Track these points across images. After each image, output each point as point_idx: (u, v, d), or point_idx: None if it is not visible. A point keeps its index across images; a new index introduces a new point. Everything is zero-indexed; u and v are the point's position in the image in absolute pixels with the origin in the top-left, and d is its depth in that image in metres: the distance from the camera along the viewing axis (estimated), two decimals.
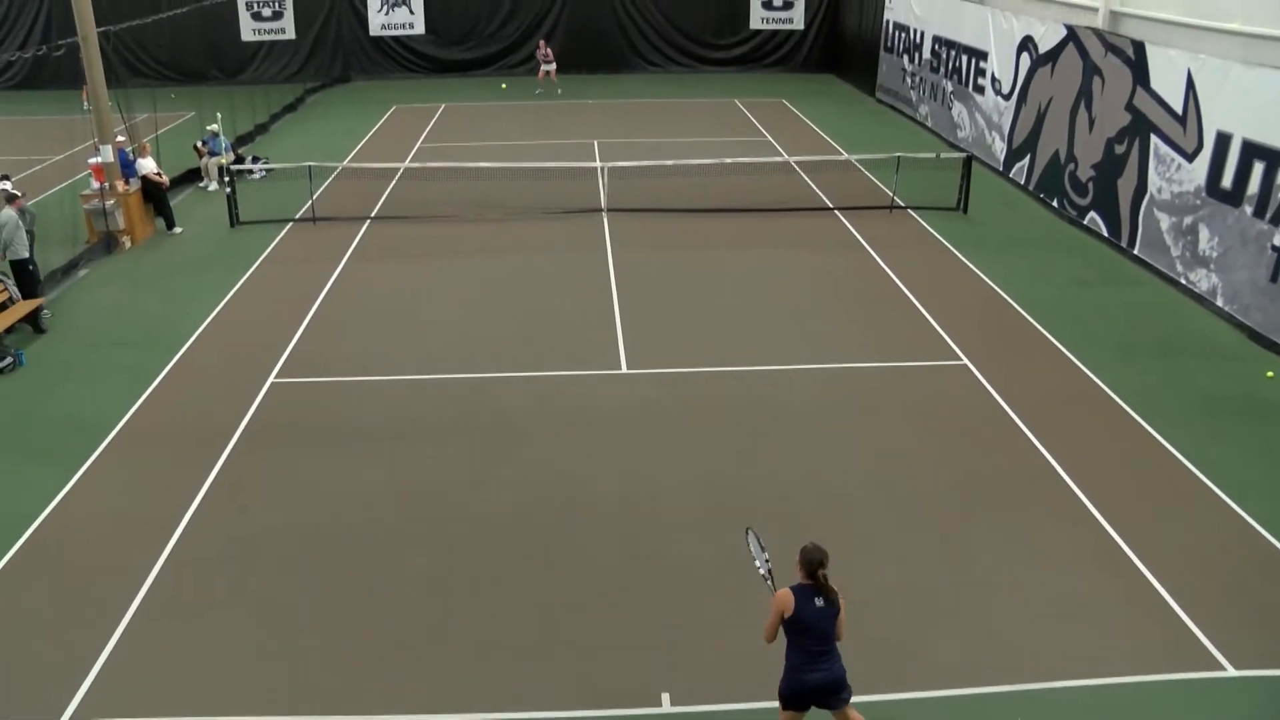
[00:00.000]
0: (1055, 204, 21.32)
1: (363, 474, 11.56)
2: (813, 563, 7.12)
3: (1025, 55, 22.68)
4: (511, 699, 8.30)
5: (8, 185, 16.55)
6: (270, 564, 9.99)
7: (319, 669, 8.64)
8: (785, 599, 7.12)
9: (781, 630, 7.24)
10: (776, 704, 7.54)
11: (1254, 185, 15.01)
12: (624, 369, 14.11)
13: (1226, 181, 15.64)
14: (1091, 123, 19.75)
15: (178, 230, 20.62)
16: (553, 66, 35.46)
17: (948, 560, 10.01)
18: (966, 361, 14.26)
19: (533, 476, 11.49)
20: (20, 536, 10.41)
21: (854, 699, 7.49)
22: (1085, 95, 20.00)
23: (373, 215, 21.14)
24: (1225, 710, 8.20)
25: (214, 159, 23.57)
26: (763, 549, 7.74)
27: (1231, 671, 8.53)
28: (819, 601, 7.11)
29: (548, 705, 8.23)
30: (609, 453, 12.00)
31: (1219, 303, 15.89)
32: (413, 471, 11.62)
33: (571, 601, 9.44)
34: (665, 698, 8.30)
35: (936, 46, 28.44)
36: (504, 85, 24.99)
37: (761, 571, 7.65)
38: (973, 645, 8.88)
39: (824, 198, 22.10)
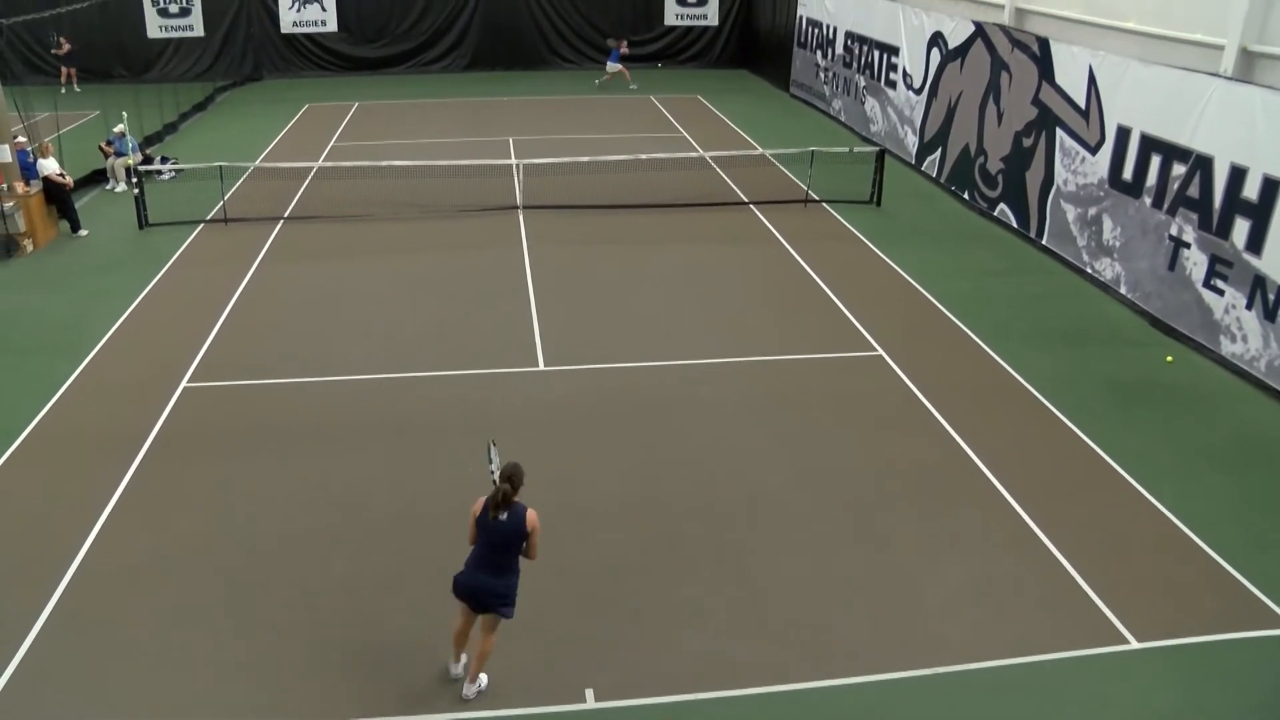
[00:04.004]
0: (966, 196, 21.76)
1: (279, 479, 11.39)
2: (502, 476, 7.94)
3: (935, 50, 23.10)
4: (438, 700, 8.25)
5: None
6: (184, 574, 9.79)
7: (238, 678, 8.49)
8: (477, 503, 8.02)
9: None
10: (698, 696, 7.94)
11: (1152, 177, 15.51)
12: (541, 366, 14.08)
13: (1127, 173, 16.12)
14: (1000, 116, 20.19)
15: (83, 233, 20.07)
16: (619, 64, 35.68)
17: (865, 548, 10.18)
18: (881, 352, 14.49)
19: (452, 477, 11.41)
20: None
21: (775, 688, 7.91)
22: (994, 90, 20.43)
23: (286, 215, 20.81)
24: (1129, 680, 8.49)
25: (121, 159, 22.99)
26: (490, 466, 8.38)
27: (1134, 644, 8.85)
28: (502, 516, 7.90)
29: (474, 704, 8.20)
30: (528, 451, 11.89)
31: (1122, 290, 16.38)
32: (330, 475, 11.47)
33: None
34: (589, 693, 8.32)
35: (849, 42, 28.81)
36: (633, 86, 26.25)
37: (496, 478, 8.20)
38: (890, 631, 9.04)
39: (739, 192, 22.27)
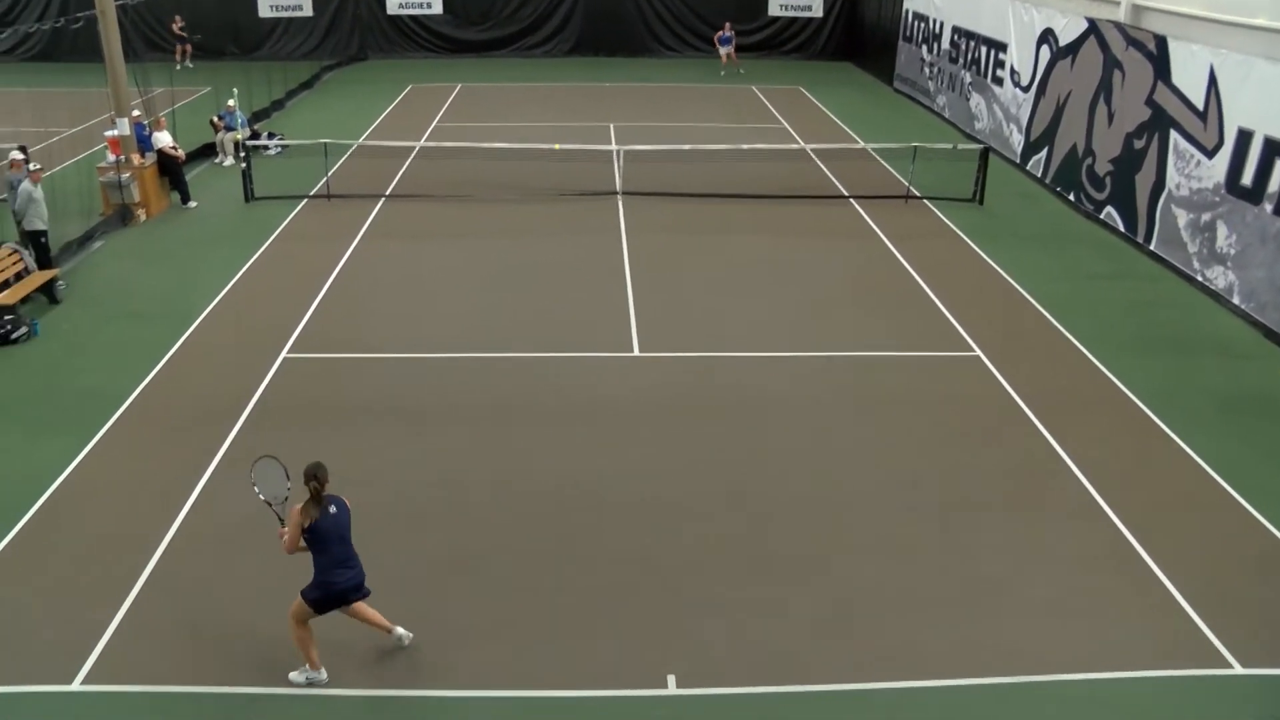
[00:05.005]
0: (1072, 197, 21.21)
1: (371, 453, 11.57)
2: (307, 476, 7.83)
3: (1045, 47, 22.54)
4: (518, 678, 8.33)
5: (19, 155, 16.58)
6: (276, 541, 9.98)
7: (322, 648, 8.65)
8: (293, 514, 7.87)
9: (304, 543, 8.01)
10: (776, 689, 7.92)
11: (1274, 183, 14.90)
12: (636, 352, 14.09)
13: (1246, 179, 15.53)
14: (1111, 117, 19.63)
15: (193, 204, 20.64)
16: (731, 47, 35.91)
17: (954, 553, 9.98)
18: (979, 353, 14.21)
19: (542, 458, 11.49)
20: (32, 506, 10.46)
21: (852, 686, 8.05)
22: (1105, 89, 19.86)
23: (387, 193, 21.13)
24: (1230, 707, 8.18)
25: (230, 134, 23.57)
26: (287, 479, 8.19)
27: (1239, 669, 8.51)
28: (332, 509, 7.93)
29: (555, 685, 8.26)
30: (619, 436, 11.99)
31: (1235, 300, 15.80)
32: (421, 452, 11.62)
33: (579, 584, 9.45)
34: (671, 679, 8.31)
35: (956, 37, 28.28)
36: (556, 146, 18.20)
37: (266, 499, 8.20)
38: (974, 637, 8.86)
39: (839, 186, 22.03)
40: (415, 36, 39.06)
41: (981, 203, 21.04)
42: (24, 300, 14.99)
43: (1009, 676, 8.39)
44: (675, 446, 11.78)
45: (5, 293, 14.82)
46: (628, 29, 39.12)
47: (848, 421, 12.41)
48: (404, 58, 38.62)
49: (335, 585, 8.02)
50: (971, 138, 26.09)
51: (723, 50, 35.96)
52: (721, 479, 11.16)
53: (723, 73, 35.74)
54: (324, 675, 8.27)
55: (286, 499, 8.23)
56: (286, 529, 8.02)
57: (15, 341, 14.17)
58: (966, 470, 11.41)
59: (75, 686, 8.18)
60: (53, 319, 15.04)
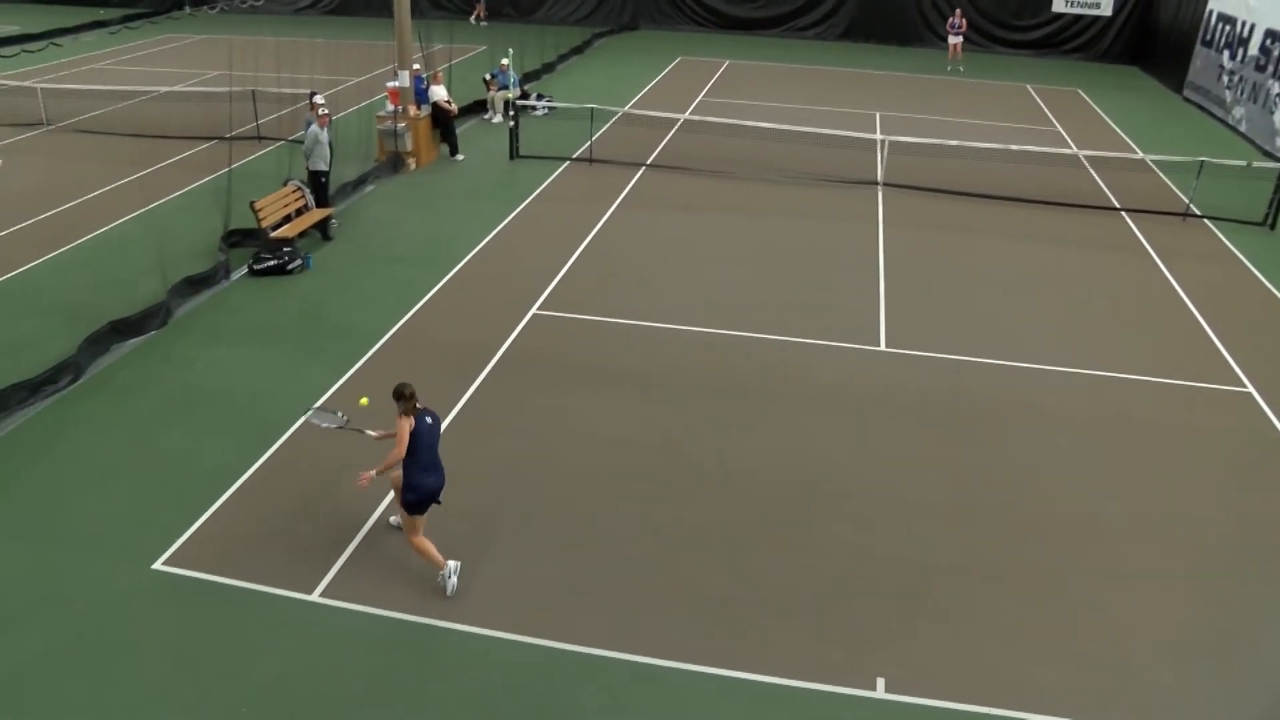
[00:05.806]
0: None
1: (608, 415, 11.77)
2: (406, 391, 8.55)
3: None
4: (725, 656, 8.31)
5: (320, 99, 17.67)
6: (508, 490, 10.33)
7: (539, 595, 8.90)
8: (405, 422, 8.52)
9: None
10: (991, 710, 7.63)
11: None
12: (882, 347, 13.76)
13: None
14: None
15: (460, 157, 21.54)
16: (959, 39, 34.22)
17: (1203, 604, 9.24)
18: (1251, 390, 13.11)
19: (775, 441, 11.39)
20: (287, 430, 11.22)
21: None
22: None
23: (648, 163, 21.42)
24: None
25: (501, 93, 24.43)
26: (337, 415, 9.50)
27: None
28: (428, 419, 8.68)
29: (761, 669, 8.19)
30: (855, 428, 11.74)
31: None
32: (658, 419, 11.73)
33: (798, 571, 9.33)
34: (880, 682, 8.10)
35: (1268, 42, 26.06)
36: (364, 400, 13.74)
37: (332, 427, 9.38)
38: (1222, 694, 8.19)
39: (1111, 197, 20.77)
40: (687, 9, 39.40)
41: (1273, 228, 19.37)
42: (301, 235, 16.05)
43: None
44: (912, 446, 11.44)
45: (286, 226, 15.93)
46: (902, 17, 38.17)
47: (1094, 443, 11.70)
48: (674, 30, 39.05)
49: (425, 487, 8.70)
50: (1271, 155, 24.05)
51: (951, 41, 34.09)
52: (955, 485, 10.76)
53: (957, 68, 34.00)
54: (454, 565, 8.90)
55: (349, 420, 9.34)
56: (375, 432, 9.19)
57: (291, 272, 15.22)
58: (1225, 516, 10.53)
59: (314, 597, 8.74)
60: (324, 255, 16.04)
